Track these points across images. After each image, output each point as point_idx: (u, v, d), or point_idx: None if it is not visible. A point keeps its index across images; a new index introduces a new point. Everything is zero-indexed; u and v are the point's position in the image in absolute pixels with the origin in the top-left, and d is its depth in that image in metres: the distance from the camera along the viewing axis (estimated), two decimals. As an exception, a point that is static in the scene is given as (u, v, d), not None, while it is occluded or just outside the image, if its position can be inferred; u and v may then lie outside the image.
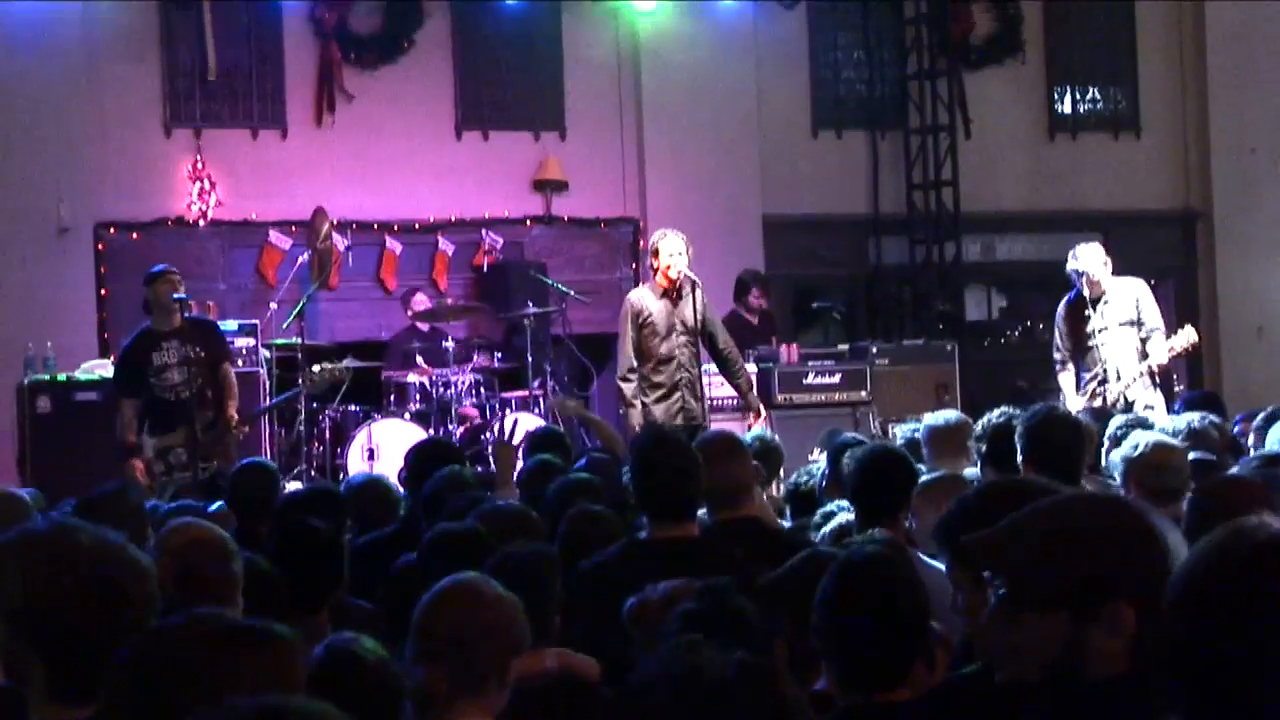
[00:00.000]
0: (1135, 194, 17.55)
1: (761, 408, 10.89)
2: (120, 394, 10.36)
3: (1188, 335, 10.93)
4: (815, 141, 16.75)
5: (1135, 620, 2.41)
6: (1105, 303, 10.95)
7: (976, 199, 16.72)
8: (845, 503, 5.95)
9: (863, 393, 13.01)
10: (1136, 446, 6.11)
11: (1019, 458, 6.00)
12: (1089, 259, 10.95)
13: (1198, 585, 2.14)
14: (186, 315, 10.31)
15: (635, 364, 10.35)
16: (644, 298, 10.52)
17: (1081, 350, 11.05)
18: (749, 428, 10.06)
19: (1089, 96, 17.81)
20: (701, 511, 5.70)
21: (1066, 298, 11.22)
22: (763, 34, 16.08)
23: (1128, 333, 10.95)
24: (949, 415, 7.65)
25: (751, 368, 12.58)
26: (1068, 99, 17.69)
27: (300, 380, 11.63)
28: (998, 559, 2.56)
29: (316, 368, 11.52)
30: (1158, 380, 10.95)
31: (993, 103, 17.07)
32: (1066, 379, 11.14)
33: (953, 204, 16.62)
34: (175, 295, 10.08)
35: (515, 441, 8.12)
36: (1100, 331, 10.89)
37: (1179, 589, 2.16)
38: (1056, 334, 11.30)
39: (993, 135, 17.02)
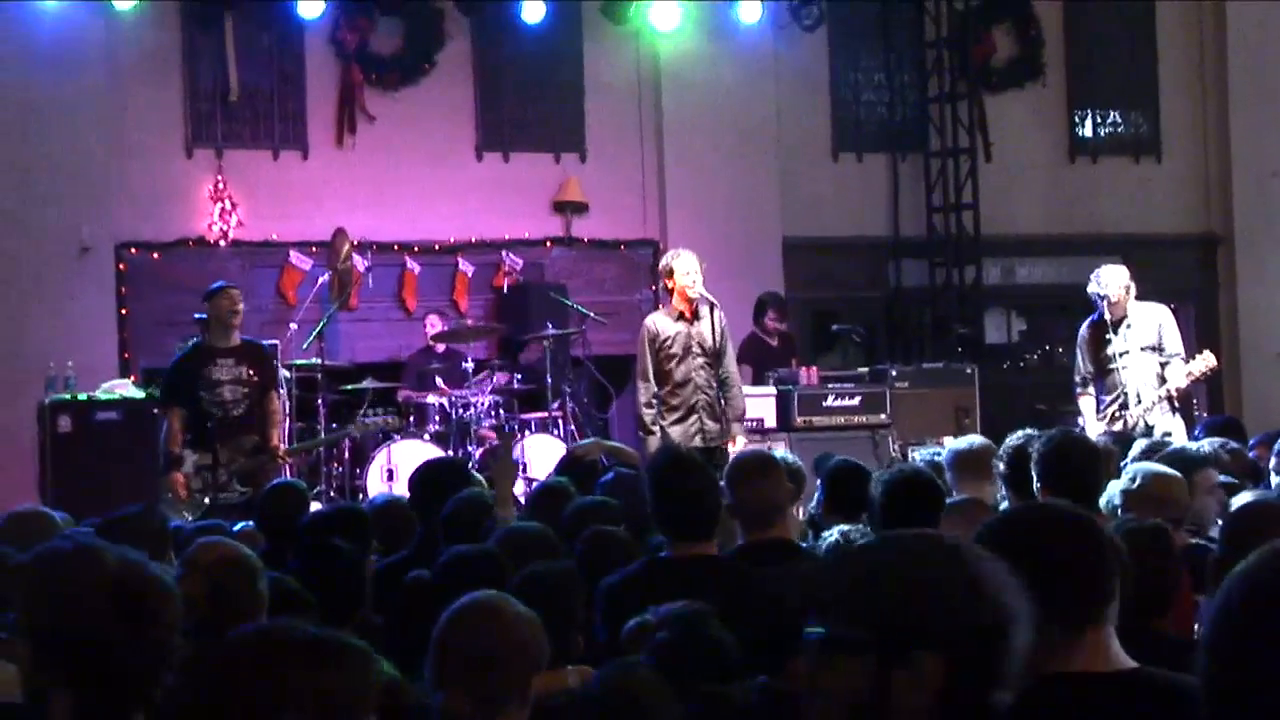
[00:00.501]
0: (1156, 217, 17.53)
1: (740, 438, 10.68)
2: (169, 403, 10.25)
3: (1206, 360, 10.85)
4: (835, 164, 16.76)
5: (945, 673, 2.31)
6: (1127, 326, 10.89)
7: (996, 222, 16.70)
8: (845, 526, 5.96)
9: (882, 415, 12.94)
10: (1134, 479, 6.09)
11: (1035, 482, 6.00)
12: (1111, 282, 10.89)
13: (1236, 611, 2.09)
14: (243, 338, 10.36)
15: (655, 390, 10.34)
16: (660, 322, 10.50)
17: (1102, 373, 10.99)
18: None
19: (1110, 120, 17.80)
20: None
21: (1088, 320, 11.16)
22: (783, 57, 16.08)
23: (1148, 357, 10.88)
24: (973, 439, 7.60)
25: (771, 390, 12.58)
26: (1088, 122, 17.69)
27: (350, 423, 11.76)
28: (811, 596, 2.49)
29: (369, 417, 11.60)
30: (1177, 405, 10.90)
31: (1013, 126, 17.07)
32: (1087, 403, 11.07)
33: (973, 227, 16.61)
34: (197, 315, 10.10)
35: (515, 457, 8.07)
36: (1121, 355, 10.84)
37: (1215, 616, 2.12)
38: (1077, 357, 11.24)
39: (1013, 158, 17.02)
